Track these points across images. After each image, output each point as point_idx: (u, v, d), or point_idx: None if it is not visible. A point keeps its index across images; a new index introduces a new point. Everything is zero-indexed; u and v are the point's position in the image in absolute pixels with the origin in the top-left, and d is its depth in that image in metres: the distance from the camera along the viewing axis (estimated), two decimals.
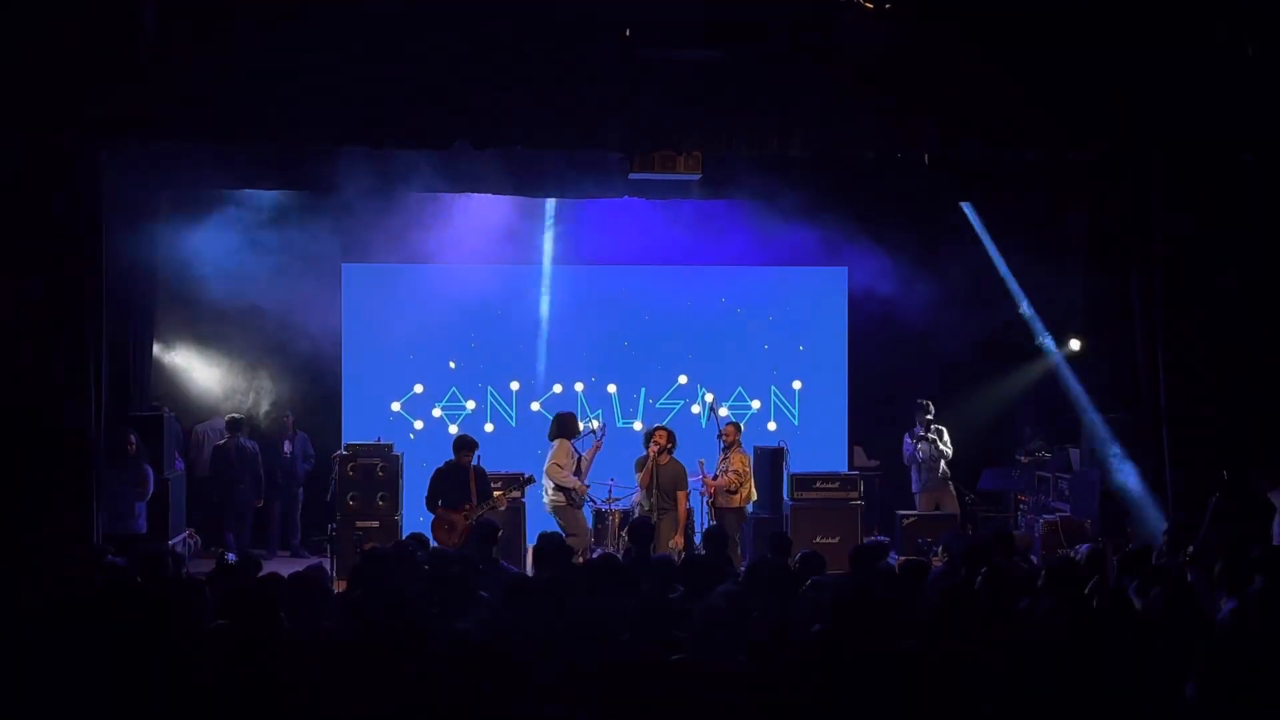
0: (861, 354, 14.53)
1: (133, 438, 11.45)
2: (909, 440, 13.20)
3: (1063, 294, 13.92)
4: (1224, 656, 5.40)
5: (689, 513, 11.84)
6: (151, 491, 11.48)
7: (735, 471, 12.00)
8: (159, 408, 12.57)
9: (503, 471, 12.22)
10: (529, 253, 14.03)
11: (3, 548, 8.56)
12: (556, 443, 11.91)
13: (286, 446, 13.59)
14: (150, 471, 11.52)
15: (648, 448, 11.84)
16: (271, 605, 6.29)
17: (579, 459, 11.88)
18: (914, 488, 13.27)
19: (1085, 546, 8.18)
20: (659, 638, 5.86)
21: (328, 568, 10.66)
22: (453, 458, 11.45)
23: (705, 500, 12.19)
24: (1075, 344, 13.98)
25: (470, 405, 14.26)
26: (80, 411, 9.96)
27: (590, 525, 12.21)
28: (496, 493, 11.58)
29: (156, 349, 13.24)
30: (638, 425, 14.12)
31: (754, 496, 12.36)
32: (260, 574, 7.44)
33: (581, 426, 12.32)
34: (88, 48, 9.67)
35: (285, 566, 9.12)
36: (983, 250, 13.85)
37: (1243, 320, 10.81)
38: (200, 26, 9.78)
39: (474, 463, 11.44)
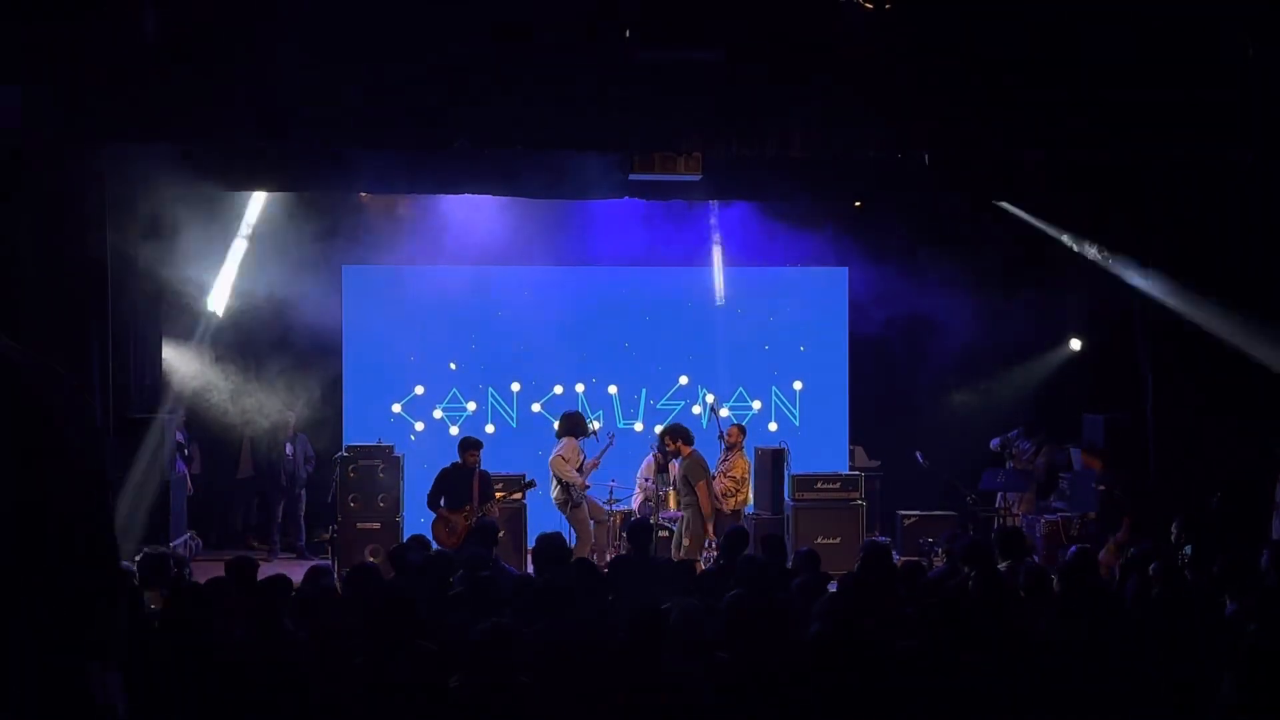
0: (862, 354, 14.53)
1: None
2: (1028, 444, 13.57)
3: (1063, 294, 13.91)
4: (1259, 655, 5.39)
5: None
6: None
7: (732, 479, 12.00)
8: (171, 410, 12.52)
9: (504, 473, 12.23)
10: (529, 254, 14.01)
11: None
12: (564, 439, 11.97)
13: (288, 448, 13.59)
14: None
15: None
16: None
17: (583, 460, 11.92)
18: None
19: (1074, 548, 8.18)
20: (655, 640, 5.86)
21: (332, 569, 10.61)
22: (458, 459, 11.47)
23: None
24: (1075, 344, 14.00)
25: (471, 406, 14.26)
26: None
27: (591, 528, 12.25)
28: (498, 494, 11.60)
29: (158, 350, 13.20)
30: (638, 426, 14.13)
31: (750, 501, 12.38)
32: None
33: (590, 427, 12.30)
34: (89, 48, 9.69)
35: (288, 568, 9.14)
36: (980, 249, 13.84)
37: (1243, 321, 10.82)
38: (200, 28, 9.80)
39: (480, 464, 11.46)
